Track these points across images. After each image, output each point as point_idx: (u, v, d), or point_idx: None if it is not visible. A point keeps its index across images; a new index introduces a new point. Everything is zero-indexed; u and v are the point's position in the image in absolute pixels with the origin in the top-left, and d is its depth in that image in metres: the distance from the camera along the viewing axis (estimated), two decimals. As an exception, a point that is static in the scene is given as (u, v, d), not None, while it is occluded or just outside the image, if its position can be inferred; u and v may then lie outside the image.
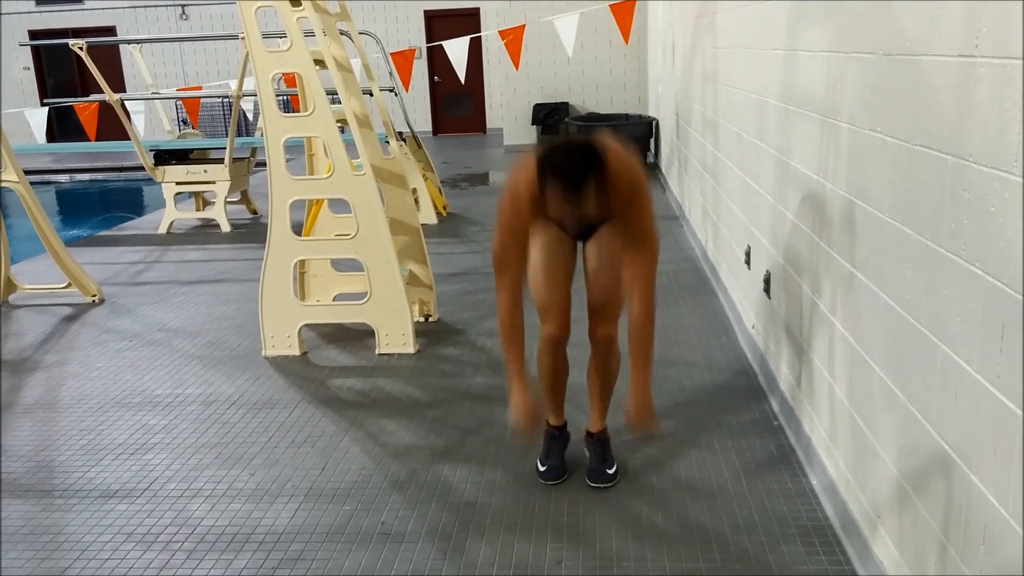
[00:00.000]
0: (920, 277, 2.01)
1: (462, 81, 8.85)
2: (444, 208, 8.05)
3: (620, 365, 2.93)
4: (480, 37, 13.17)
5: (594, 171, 2.39)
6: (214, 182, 7.88)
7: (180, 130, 9.84)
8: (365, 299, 4.37)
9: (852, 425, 2.56)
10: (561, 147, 2.43)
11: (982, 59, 1.68)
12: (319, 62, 4.27)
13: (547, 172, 2.40)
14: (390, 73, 7.80)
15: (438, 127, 16.22)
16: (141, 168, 8.09)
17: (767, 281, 3.75)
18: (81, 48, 7.42)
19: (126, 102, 7.91)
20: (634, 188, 2.59)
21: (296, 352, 4.41)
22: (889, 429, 2.24)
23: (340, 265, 5.02)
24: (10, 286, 5.66)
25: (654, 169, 10.21)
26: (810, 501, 2.82)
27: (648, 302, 2.62)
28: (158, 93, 9.24)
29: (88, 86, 16.03)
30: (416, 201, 6.95)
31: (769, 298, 3.74)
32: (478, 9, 15.24)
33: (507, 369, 2.77)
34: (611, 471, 2.99)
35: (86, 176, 13.43)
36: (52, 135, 14.10)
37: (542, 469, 3.03)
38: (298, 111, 4.75)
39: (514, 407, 2.71)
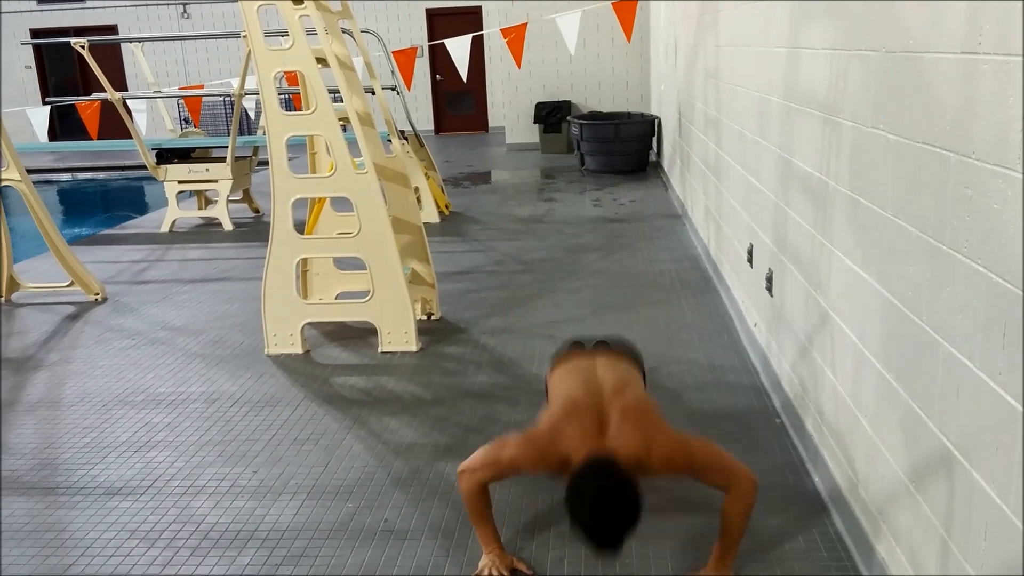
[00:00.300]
0: (922, 274, 2.01)
1: (464, 79, 8.84)
2: (446, 207, 8.05)
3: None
4: (482, 35, 13.18)
5: (631, 531, 2.12)
6: (216, 181, 7.88)
7: (182, 129, 9.85)
8: (367, 297, 4.38)
9: (854, 423, 2.56)
10: (595, 507, 2.09)
11: (984, 56, 1.68)
12: (321, 60, 4.27)
13: (576, 526, 2.12)
14: (392, 71, 7.80)
15: (440, 125, 16.23)
16: (143, 167, 8.10)
17: (769, 279, 3.75)
18: (83, 47, 7.43)
19: (128, 101, 7.90)
20: (685, 463, 2.33)
21: (299, 350, 4.42)
22: (891, 426, 2.24)
23: (342, 263, 5.03)
24: (13, 284, 5.67)
25: (656, 168, 10.21)
26: (812, 499, 2.83)
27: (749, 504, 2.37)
28: (160, 92, 9.24)
29: (90, 85, 16.05)
30: (418, 199, 6.95)
31: (771, 296, 3.74)
32: (480, 7, 15.24)
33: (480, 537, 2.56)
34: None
35: (88, 175, 13.45)
36: (54, 134, 14.11)
37: None
38: (300, 109, 4.76)
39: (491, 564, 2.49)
